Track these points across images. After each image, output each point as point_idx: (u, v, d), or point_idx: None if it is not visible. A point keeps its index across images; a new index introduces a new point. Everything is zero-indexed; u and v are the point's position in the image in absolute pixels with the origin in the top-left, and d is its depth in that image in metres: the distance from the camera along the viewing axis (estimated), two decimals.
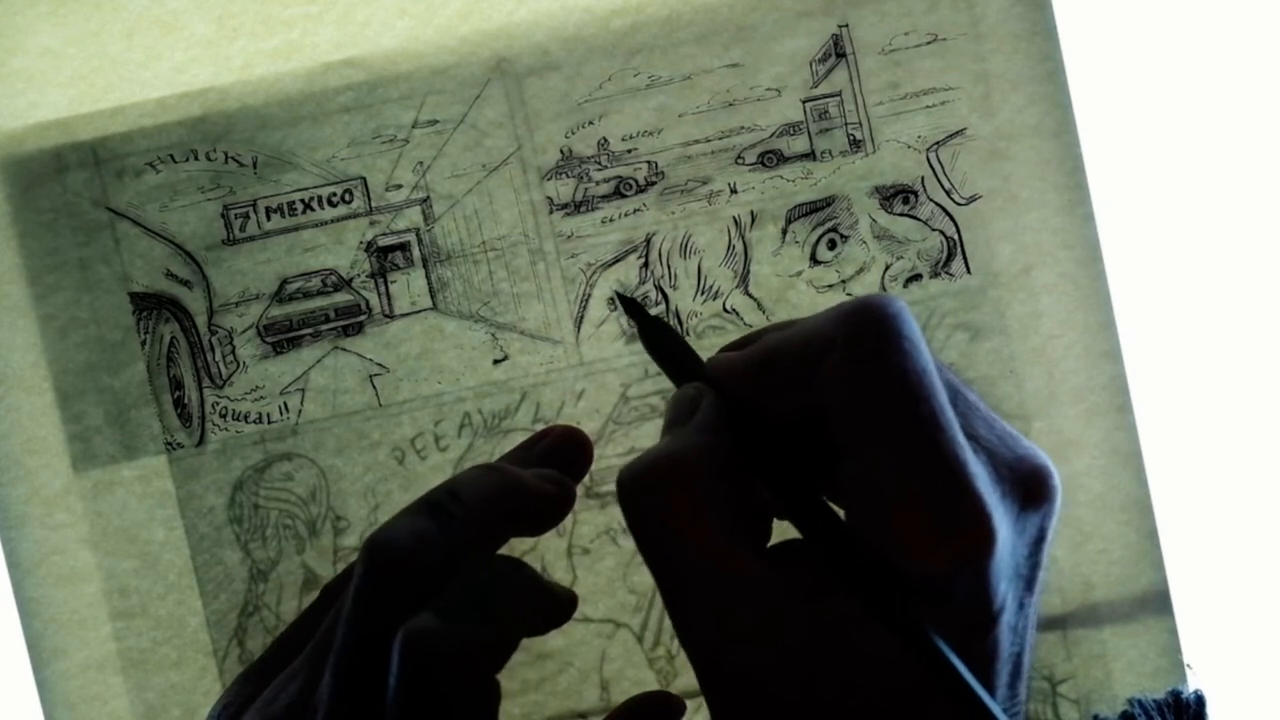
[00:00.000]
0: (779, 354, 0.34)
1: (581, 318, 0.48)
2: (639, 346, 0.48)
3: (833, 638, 0.31)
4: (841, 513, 0.33)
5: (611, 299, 0.48)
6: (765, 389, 0.34)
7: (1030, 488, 0.32)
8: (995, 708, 0.30)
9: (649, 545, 0.33)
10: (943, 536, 0.30)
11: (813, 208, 0.48)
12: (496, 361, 0.48)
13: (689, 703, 0.48)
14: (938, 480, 0.31)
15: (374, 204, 0.48)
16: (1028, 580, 0.33)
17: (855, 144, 0.48)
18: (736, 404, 0.35)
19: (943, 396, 0.31)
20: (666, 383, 0.48)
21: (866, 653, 0.31)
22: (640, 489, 0.33)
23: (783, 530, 0.34)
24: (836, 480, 0.33)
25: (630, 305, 0.40)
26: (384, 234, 0.48)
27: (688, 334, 0.49)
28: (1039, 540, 0.33)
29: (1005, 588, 0.31)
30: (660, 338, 0.39)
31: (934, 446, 0.31)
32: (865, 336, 0.32)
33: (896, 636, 0.30)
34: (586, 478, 0.47)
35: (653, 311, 0.48)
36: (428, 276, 0.48)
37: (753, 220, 0.48)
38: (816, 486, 0.34)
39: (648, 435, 0.48)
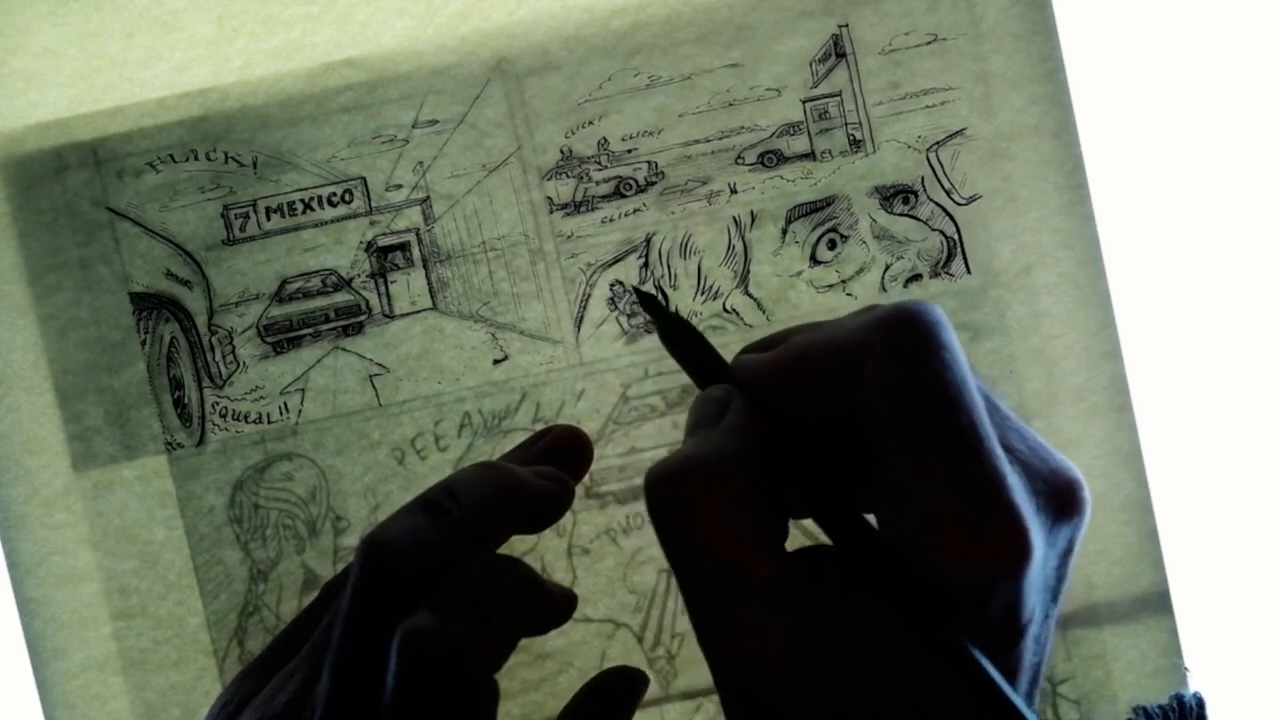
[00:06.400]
0: (810, 357, 0.33)
1: (581, 318, 0.48)
2: (639, 346, 0.48)
3: (855, 644, 0.31)
4: (872, 519, 0.33)
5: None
6: (795, 392, 0.34)
7: (1062, 501, 0.32)
8: (1034, 718, 0.30)
9: (674, 546, 0.33)
10: (981, 549, 0.30)
11: (813, 208, 0.48)
12: (496, 361, 0.48)
13: (689, 704, 0.48)
14: (977, 492, 0.30)
15: (374, 204, 0.48)
16: (1053, 592, 0.33)
17: (855, 144, 0.48)
18: (765, 407, 0.34)
19: (982, 408, 0.31)
20: (667, 383, 0.48)
21: (889, 660, 0.31)
22: (670, 490, 0.32)
23: (796, 537, 0.34)
24: (869, 486, 0.33)
25: (648, 301, 0.38)
26: (384, 234, 0.48)
27: None
28: (1067, 552, 0.33)
29: (1035, 600, 0.31)
30: (682, 337, 0.37)
31: (974, 459, 0.31)
32: (905, 345, 0.32)
33: (931, 647, 0.30)
34: (586, 478, 0.47)
35: None
36: (428, 276, 0.48)
37: (753, 220, 0.48)
38: (848, 493, 0.33)
39: (648, 435, 0.48)
